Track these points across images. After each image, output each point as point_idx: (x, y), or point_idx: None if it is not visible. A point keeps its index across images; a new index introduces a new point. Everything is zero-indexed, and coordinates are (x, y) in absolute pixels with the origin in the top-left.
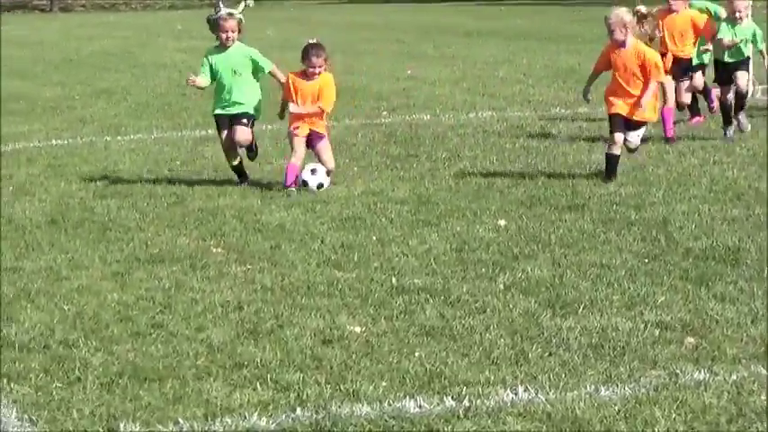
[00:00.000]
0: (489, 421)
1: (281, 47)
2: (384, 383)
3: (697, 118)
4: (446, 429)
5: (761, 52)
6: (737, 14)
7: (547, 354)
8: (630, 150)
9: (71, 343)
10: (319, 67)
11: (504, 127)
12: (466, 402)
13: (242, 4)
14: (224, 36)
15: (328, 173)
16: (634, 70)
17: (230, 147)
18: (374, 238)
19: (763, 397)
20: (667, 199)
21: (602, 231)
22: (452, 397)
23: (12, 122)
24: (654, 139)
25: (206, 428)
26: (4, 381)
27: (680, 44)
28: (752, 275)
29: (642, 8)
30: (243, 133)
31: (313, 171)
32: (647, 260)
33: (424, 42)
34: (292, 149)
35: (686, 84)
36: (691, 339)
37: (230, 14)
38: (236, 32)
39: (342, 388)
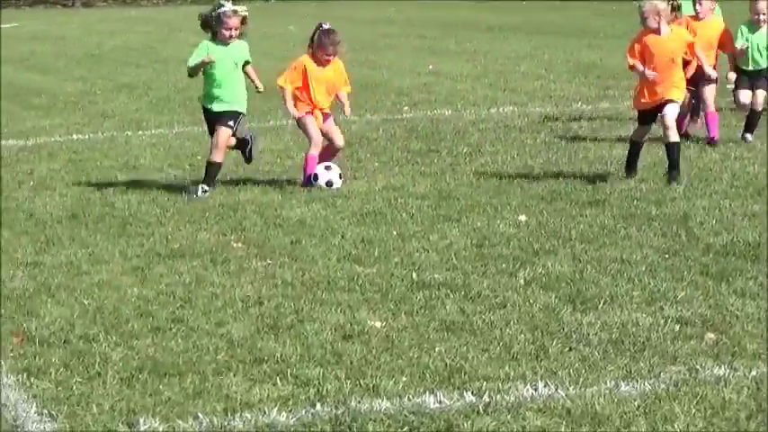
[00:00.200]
0: (509, 417)
1: (303, 42)
2: (404, 379)
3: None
4: (466, 425)
5: None
6: (760, 17)
7: (567, 349)
8: (668, 130)
9: (91, 338)
10: (335, 54)
11: (525, 122)
12: (486, 398)
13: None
14: (227, 33)
15: (341, 176)
16: (673, 56)
17: (225, 145)
18: (395, 233)
19: None
20: (688, 194)
21: (623, 227)
22: (472, 392)
23: (33, 117)
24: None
25: (225, 423)
26: (24, 375)
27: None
28: None
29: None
30: (225, 134)
31: (327, 167)
32: (667, 255)
33: (445, 38)
34: (308, 136)
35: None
36: (711, 335)
37: (235, 12)
38: (239, 30)
39: (362, 383)
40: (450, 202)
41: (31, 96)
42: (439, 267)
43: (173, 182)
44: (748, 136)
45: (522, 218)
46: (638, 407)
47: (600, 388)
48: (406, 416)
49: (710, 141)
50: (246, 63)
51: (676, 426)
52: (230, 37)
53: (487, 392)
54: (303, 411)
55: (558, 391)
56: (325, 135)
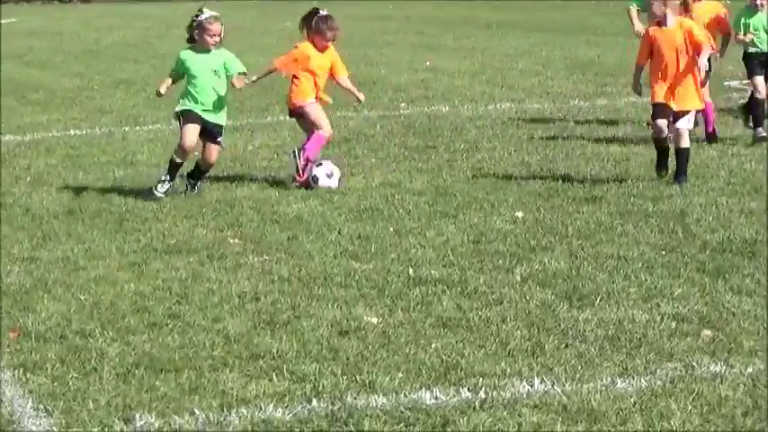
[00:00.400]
0: (505, 413)
1: (300, 38)
2: (400, 375)
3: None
4: (462, 421)
5: None
6: (758, 1)
7: (563, 345)
8: (681, 137)
9: (88, 333)
10: (334, 40)
11: (522, 119)
12: (482, 394)
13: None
14: (210, 40)
15: (336, 176)
16: (679, 47)
17: (192, 146)
18: (391, 229)
19: None
20: (685, 191)
21: (620, 223)
22: (468, 388)
23: (31, 112)
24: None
25: (222, 419)
26: (21, 371)
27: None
28: None
29: None
30: (216, 153)
31: (323, 166)
32: (664, 252)
33: (443, 34)
34: (319, 122)
35: None
36: (707, 332)
37: (216, 17)
38: (220, 37)
39: (358, 379)
40: (446, 198)
41: (28, 92)
42: (435, 263)
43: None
44: (760, 130)
45: (519, 214)
46: (635, 403)
47: (596, 384)
48: (402, 412)
49: (710, 136)
50: (229, 72)
51: (672, 422)
52: (213, 43)
53: (484, 389)
54: (299, 407)
55: (555, 387)
56: (311, 119)
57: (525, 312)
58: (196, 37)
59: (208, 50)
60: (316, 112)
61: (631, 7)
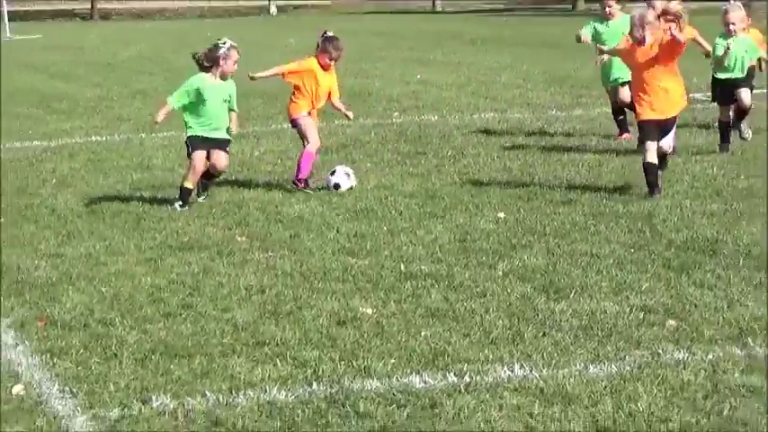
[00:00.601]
0: (488, 396)
1: (303, 53)
2: (393, 361)
3: (626, 135)
4: (448, 403)
5: (759, 60)
6: (731, 27)
7: (541, 334)
8: (665, 154)
9: (108, 322)
10: (338, 59)
11: (504, 127)
12: (467, 378)
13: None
14: (231, 69)
15: (352, 174)
16: (656, 56)
17: (203, 170)
18: (385, 228)
19: (737, 375)
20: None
21: (593, 223)
22: (455, 373)
23: (55, 120)
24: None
25: (230, 400)
26: (48, 356)
27: None
28: (728, 264)
29: (675, 6)
30: (227, 160)
31: (339, 171)
32: (632, 250)
33: (433, 49)
34: (307, 137)
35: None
36: (672, 322)
37: (235, 47)
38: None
39: (354, 365)
40: (435, 200)
41: (53, 101)
42: (425, 260)
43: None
44: (743, 127)
45: (501, 215)
46: (605, 387)
47: (570, 370)
48: (394, 394)
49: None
50: (231, 110)
51: (639, 405)
52: (233, 72)
53: (468, 373)
54: (301, 390)
55: (533, 372)
56: (303, 131)
57: (506, 304)
58: (215, 64)
59: (224, 79)
60: (306, 125)
61: (585, 35)
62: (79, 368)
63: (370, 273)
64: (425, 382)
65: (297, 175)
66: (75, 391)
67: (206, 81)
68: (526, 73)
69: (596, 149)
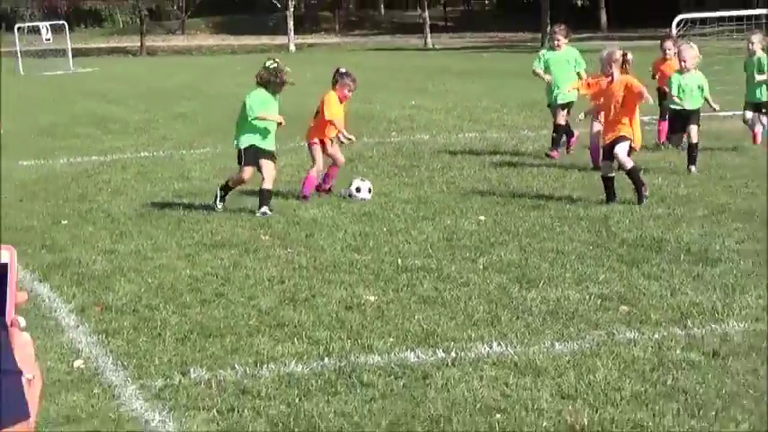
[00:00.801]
0: (470, 368)
1: (321, 83)
2: (391, 339)
3: (555, 152)
4: (437, 375)
5: (705, 100)
6: (683, 64)
7: (515, 317)
8: (623, 165)
9: (153, 307)
10: (353, 91)
11: (484, 145)
12: (453, 354)
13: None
14: (285, 85)
15: (369, 190)
16: (618, 100)
17: (247, 178)
18: (384, 229)
19: (679, 351)
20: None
21: (558, 225)
22: (443, 350)
23: (110, 139)
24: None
25: (255, 373)
26: (103, 336)
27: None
28: (671, 259)
29: (628, 53)
30: (274, 166)
31: (358, 189)
32: (591, 247)
33: (425, 80)
34: (314, 159)
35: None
36: (624, 307)
37: (286, 68)
38: None
39: (359, 343)
40: (426, 205)
41: (108, 123)
42: (418, 255)
43: (217, 189)
44: (694, 168)
45: (482, 218)
46: (569, 361)
47: (539, 347)
48: (392, 368)
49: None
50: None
51: (597, 376)
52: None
53: (454, 350)
54: (314, 364)
55: (508, 349)
56: (332, 156)
57: (486, 292)
58: (271, 81)
59: (278, 94)
60: (316, 152)
61: (538, 69)
62: (129, 346)
63: (372, 266)
64: (418, 357)
65: (304, 187)
66: (125, 364)
67: (269, 96)
68: (502, 100)
69: (560, 164)
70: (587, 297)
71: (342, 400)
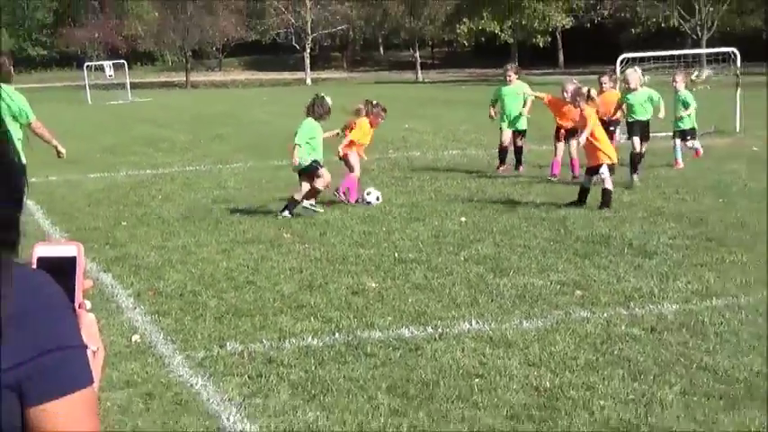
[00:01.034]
0: (454, 342)
1: (333, 109)
2: (390, 318)
3: (503, 167)
4: (427, 347)
5: (657, 109)
6: (630, 85)
7: (490, 300)
8: (604, 184)
9: (197, 292)
10: (383, 120)
11: (465, 161)
12: (440, 330)
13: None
14: (328, 116)
15: (378, 198)
16: (583, 126)
17: (323, 186)
18: (384, 228)
19: (623, 327)
20: (567, 205)
21: (525, 224)
22: (431, 327)
23: (161, 156)
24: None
25: (279, 346)
26: (156, 316)
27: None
28: (617, 252)
29: (591, 90)
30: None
31: (368, 193)
32: (552, 243)
33: (417, 108)
34: (351, 167)
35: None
36: (579, 292)
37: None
38: None
39: (363, 321)
40: (418, 209)
41: (159, 143)
42: (411, 250)
43: (249, 196)
44: (636, 177)
45: (463, 219)
46: (534, 336)
47: (510, 324)
48: (391, 341)
49: (574, 176)
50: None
51: (557, 347)
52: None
53: (441, 327)
54: (327, 338)
55: (485, 326)
56: (351, 164)
57: (466, 280)
58: (319, 113)
59: (322, 120)
60: (355, 161)
61: (491, 109)
62: (176, 324)
63: (374, 259)
64: (412, 333)
65: (342, 195)
66: (173, 339)
67: (317, 124)
68: (479, 123)
69: (528, 174)
70: (549, 283)
71: (350, 367)
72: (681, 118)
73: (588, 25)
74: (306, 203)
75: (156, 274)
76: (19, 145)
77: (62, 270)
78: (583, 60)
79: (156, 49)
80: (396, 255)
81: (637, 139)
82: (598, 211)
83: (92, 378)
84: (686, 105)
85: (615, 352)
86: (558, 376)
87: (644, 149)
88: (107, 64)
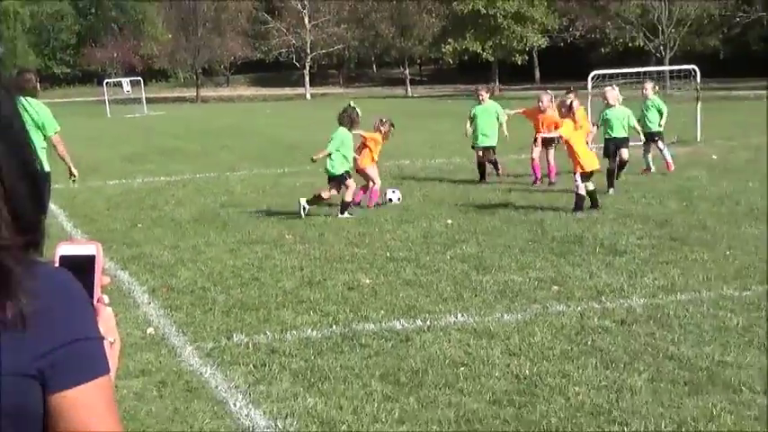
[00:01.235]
0: (441, 333)
1: (330, 121)
2: (382, 312)
3: (484, 181)
4: (417, 338)
5: (633, 128)
6: (608, 102)
7: (474, 295)
8: (577, 187)
9: (206, 288)
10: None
11: (450, 168)
12: (428, 323)
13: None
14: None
15: (399, 199)
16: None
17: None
18: (377, 229)
19: (596, 320)
20: (544, 208)
21: (506, 226)
22: (421, 320)
23: (174, 164)
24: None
25: (282, 337)
26: (168, 310)
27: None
28: (590, 251)
29: (573, 101)
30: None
31: (393, 191)
32: (530, 242)
33: (407, 120)
34: (373, 179)
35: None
36: (555, 287)
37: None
38: None
39: (358, 314)
40: (408, 211)
41: (173, 153)
42: (402, 249)
43: (254, 200)
44: (611, 191)
45: (449, 221)
46: (514, 328)
47: (493, 317)
48: (383, 333)
49: (551, 182)
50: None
51: (535, 338)
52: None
53: (429, 320)
54: (325, 330)
55: (469, 318)
56: (368, 175)
57: (452, 276)
58: (351, 122)
59: (353, 129)
60: (373, 172)
61: (466, 128)
62: (188, 317)
63: (368, 257)
64: (403, 325)
65: (369, 203)
66: (185, 331)
67: (349, 134)
68: (463, 134)
69: (508, 181)
70: (528, 280)
71: (346, 357)
72: (650, 122)
73: (562, 45)
74: (303, 201)
75: (169, 272)
76: (43, 154)
77: (82, 267)
78: (557, 76)
79: (170, 67)
80: (388, 254)
81: (613, 157)
82: (573, 214)
83: (108, 367)
84: (660, 111)
85: (588, 342)
86: (536, 365)
87: (623, 155)
88: (125, 81)
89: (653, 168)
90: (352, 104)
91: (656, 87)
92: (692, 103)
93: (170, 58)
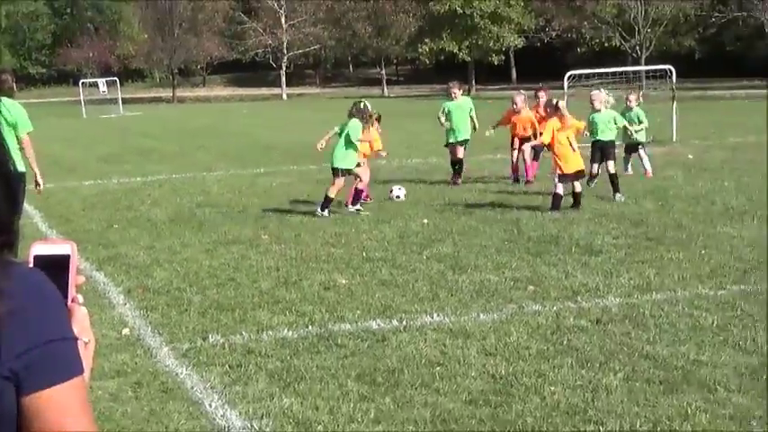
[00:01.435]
0: (417, 333)
1: (306, 122)
2: (358, 312)
3: (458, 179)
4: (393, 338)
5: (624, 127)
6: (595, 105)
7: (450, 295)
8: (555, 186)
9: (182, 289)
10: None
11: (426, 168)
12: (404, 323)
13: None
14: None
15: (405, 195)
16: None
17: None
18: (353, 229)
19: (572, 320)
20: (520, 208)
21: (482, 226)
22: (397, 320)
23: (150, 164)
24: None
25: (258, 337)
26: (144, 311)
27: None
28: (566, 251)
29: (559, 101)
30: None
31: (399, 188)
32: (506, 242)
33: (384, 119)
34: (363, 176)
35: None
36: (531, 287)
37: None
38: None
39: (335, 314)
40: (384, 212)
41: (149, 153)
42: (378, 249)
43: (230, 200)
44: (618, 195)
45: (425, 221)
46: (490, 327)
47: (469, 317)
48: (359, 333)
49: (527, 181)
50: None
51: (511, 338)
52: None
53: (405, 320)
54: (301, 330)
55: (445, 318)
56: (358, 173)
57: (428, 276)
58: (363, 116)
59: (365, 124)
60: (364, 169)
61: (441, 117)
62: (163, 318)
63: (344, 257)
64: (379, 325)
65: (352, 200)
66: (161, 332)
67: (360, 126)
68: (440, 134)
69: (484, 181)
70: (504, 279)
71: (322, 357)
72: (633, 133)
73: (538, 45)
74: (320, 212)
75: (145, 273)
76: (17, 154)
77: (57, 267)
78: (534, 77)
79: (146, 68)
80: (364, 254)
81: (611, 163)
82: (549, 215)
83: (83, 367)
84: (640, 122)
85: (564, 342)
86: (512, 364)
87: (610, 168)
88: (101, 81)
89: (631, 172)
90: (362, 100)
91: (640, 99)
92: (667, 102)
93: (146, 58)
